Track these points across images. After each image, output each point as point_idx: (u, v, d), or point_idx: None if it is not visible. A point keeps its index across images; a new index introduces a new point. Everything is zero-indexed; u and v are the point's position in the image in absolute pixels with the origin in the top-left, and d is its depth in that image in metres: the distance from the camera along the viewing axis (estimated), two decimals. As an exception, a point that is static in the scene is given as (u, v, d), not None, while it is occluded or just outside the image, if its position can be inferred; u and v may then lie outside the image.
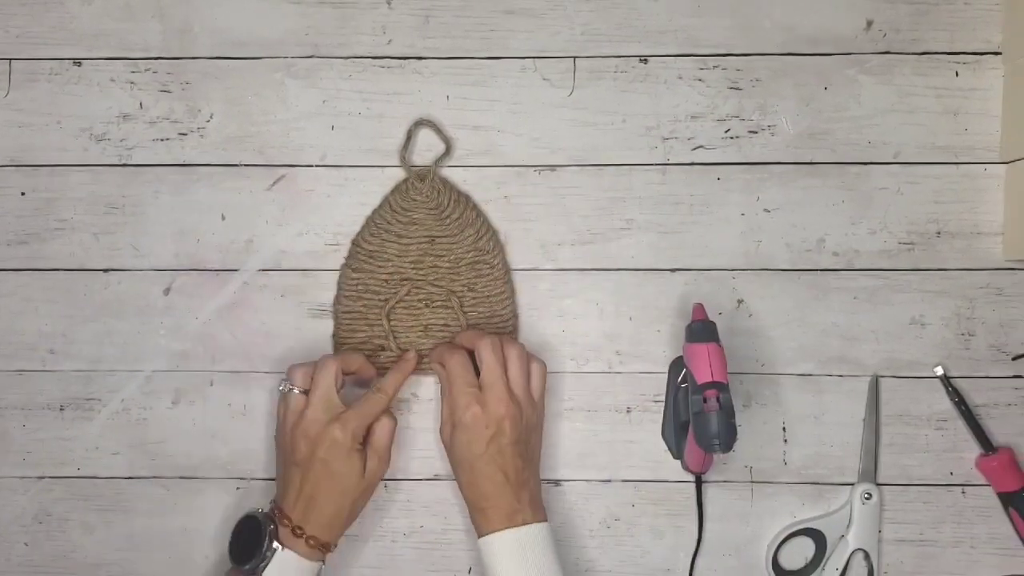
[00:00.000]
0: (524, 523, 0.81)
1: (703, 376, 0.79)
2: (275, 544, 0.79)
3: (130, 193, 0.90)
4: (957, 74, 0.89)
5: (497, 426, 0.81)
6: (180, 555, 0.90)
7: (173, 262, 0.90)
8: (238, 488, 0.90)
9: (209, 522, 0.90)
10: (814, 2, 0.89)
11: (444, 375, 0.84)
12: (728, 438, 0.78)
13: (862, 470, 0.89)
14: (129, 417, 0.90)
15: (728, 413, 0.78)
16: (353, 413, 0.82)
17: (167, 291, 0.90)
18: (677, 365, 0.88)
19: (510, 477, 0.81)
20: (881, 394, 0.89)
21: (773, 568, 0.89)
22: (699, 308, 0.82)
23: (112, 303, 0.90)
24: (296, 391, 0.83)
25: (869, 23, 0.89)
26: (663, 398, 0.89)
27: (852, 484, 0.89)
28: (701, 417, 0.78)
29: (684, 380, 0.85)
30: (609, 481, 0.90)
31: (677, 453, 0.88)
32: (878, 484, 0.89)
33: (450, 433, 0.83)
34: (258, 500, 0.89)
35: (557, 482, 0.90)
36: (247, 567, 0.79)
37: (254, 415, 0.90)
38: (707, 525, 0.89)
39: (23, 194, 0.90)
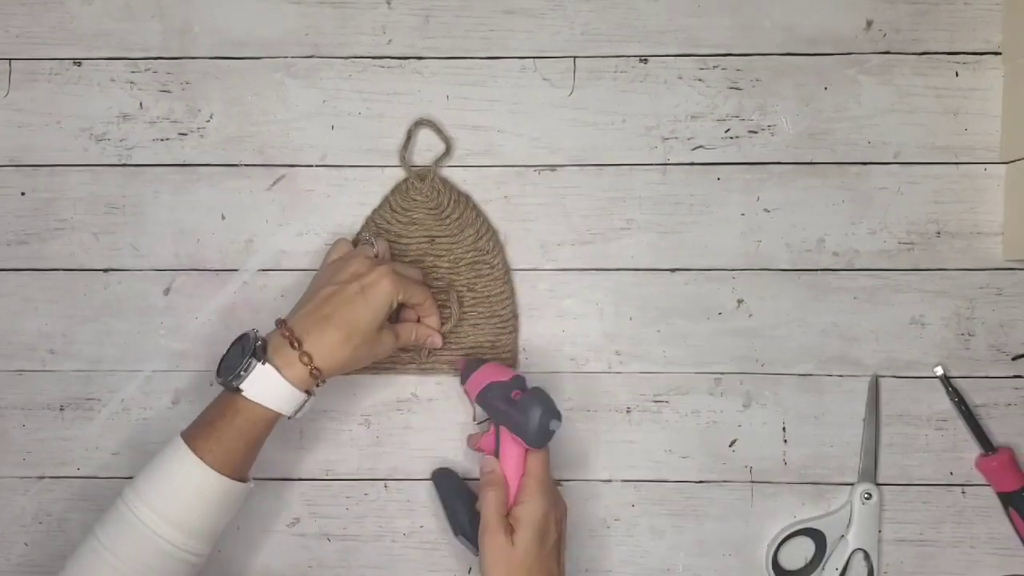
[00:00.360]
0: None
1: (502, 375, 0.82)
2: (258, 359, 0.77)
3: (130, 193, 0.90)
4: (957, 74, 0.89)
5: (563, 522, 0.82)
6: (180, 555, 0.90)
7: (173, 262, 0.90)
8: (238, 488, 0.90)
9: (209, 522, 0.90)
10: (814, 2, 0.89)
11: (496, 472, 0.82)
12: (555, 407, 0.80)
13: (862, 470, 0.89)
14: (129, 417, 0.90)
15: (539, 391, 0.81)
16: (405, 278, 0.82)
17: (167, 291, 0.90)
18: (443, 476, 0.88)
19: None
20: (881, 394, 0.89)
21: (773, 568, 0.89)
22: (460, 361, 0.87)
23: (112, 303, 0.90)
24: (374, 248, 0.84)
25: (869, 23, 0.89)
26: (663, 398, 0.90)
27: (852, 484, 0.89)
28: (522, 404, 0.80)
29: (485, 420, 0.86)
30: (609, 481, 0.90)
31: (472, 534, 0.84)
32: (878, 484, 0.89)
33: (503, 533, 0.79)
34: (258, 499, 0.89)
35: (558, 482, 0.90)
36: (223, 378, 0.78)
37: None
38: (707, 525, 0.89)
39: (23, 194, 0.90)
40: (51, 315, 0.90)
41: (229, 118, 0.90)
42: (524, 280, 0.90)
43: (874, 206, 0.89)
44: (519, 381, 0.82)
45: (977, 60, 0.89)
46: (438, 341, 0.87)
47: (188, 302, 0.90)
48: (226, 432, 0.77)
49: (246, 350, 0.78)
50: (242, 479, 0.79)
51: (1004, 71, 0.88)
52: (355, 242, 0.88)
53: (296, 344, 0.78)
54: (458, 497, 0.86)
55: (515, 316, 0.89)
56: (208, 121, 0.90)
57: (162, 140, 0.90)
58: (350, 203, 0.90)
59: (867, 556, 0.88)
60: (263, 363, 0.77)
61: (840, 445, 0.89)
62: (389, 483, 0.90)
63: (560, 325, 0.90)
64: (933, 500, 0.89)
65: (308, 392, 0.79)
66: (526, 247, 0.90)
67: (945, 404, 0.89)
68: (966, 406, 0.88)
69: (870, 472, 0.88)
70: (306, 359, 0.78)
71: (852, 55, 0.89)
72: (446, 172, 0.89)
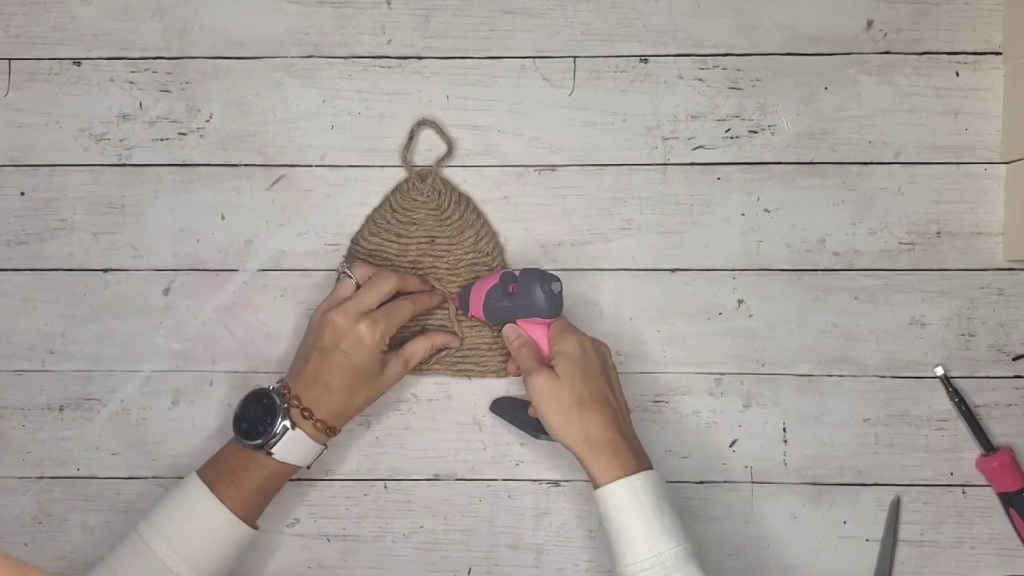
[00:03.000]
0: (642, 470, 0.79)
1: (491, 281, 0.83)
2: (287, 423, 0.80)
3: (130, 193, 0.90)
4: (957, 74, 0.89)
5: (606, 356, 0.83)
6: (180, 555, 0.90)
7: (173, 262, 0.90)
8: (238, 488, 0.90)
9: (209, 522, 0.90)
10: (814, 2, 0.89)
11: (522, 335, 0.83)
12: (548, 274, 0.81)
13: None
14: (129, 417, 0.90)
15: (527, 270, 0.81)
16: (382, 314, 0.82)
17: (167, 291, 0.90)
18: (498, 403, 0.88)
19: (622, 417, 0.81)
20: (882, 394, 0.89)
21: None
22: (454, 298, 0.88)
23: (112, 303, 0.90)
24: (351, 279, 0.84)
25: (869, 23, 0.89)
26: (663, 398, 0.89)
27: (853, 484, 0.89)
28: (521, 290, 0.81)
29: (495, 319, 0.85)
30: (609, 481, 0.90)
31: (526, 422, 0.86)
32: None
33: (547, 370, 0.80)
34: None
35: (557, 482, 0.90)
36: (256, 443, 0.80)
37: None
38: (707, 525, 0.89)
39: (23, 194, 0.90)
40: (51, 315, 0.90)
41: (229, 118, 0.90)
42: (524, 280, 0.90)
43: (874, 206, 0.89)
44: (508, 276, 0.83)
45: (977, 60, 0.88)
46: (455, 342, 0.88)
47: (188, 302, 0.90)
48: (249, 483, 0.80)
49: (274, 412, 0.80)
50: (254, 525, 0.82)
51: (1004, 71, 0.88)
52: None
53: (307, 414, 0.81)
54: (517, 409, 0.87)
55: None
56: (208, 121, 0.90)
57: (162, 140, 0.90)
58: (350, 203, 0.89)
59: None
60: (294, 428, 0.80)
61: (840, 445, 0.89)
62: (389, 483, 0.90)
63: (560, 325, 0.90)
64: (933, 500, 0.89)
65: (326, 444, 0.83)
66: (526, 247, 0.90)
67: (945, 404, 0.89)
68: (966, 406, 0.88)
69: (882, 599, 0.88)
70: (320, 425, 0.81)
71: (852, 55, 0.89)
72: (446, 172, 0.89)
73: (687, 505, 0.89)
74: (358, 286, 0.83)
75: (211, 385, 0.90)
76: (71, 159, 0.90)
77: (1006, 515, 0.89)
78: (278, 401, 0.80)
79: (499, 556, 0.90)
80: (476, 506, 0.90)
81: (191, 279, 0.90)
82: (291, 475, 0.83)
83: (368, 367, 0.81)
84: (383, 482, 0.90)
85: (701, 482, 0.90)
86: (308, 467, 0.83)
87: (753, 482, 0.90)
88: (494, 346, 0.89)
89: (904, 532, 0.89)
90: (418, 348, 0.86)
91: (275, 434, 0.79)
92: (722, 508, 0.89)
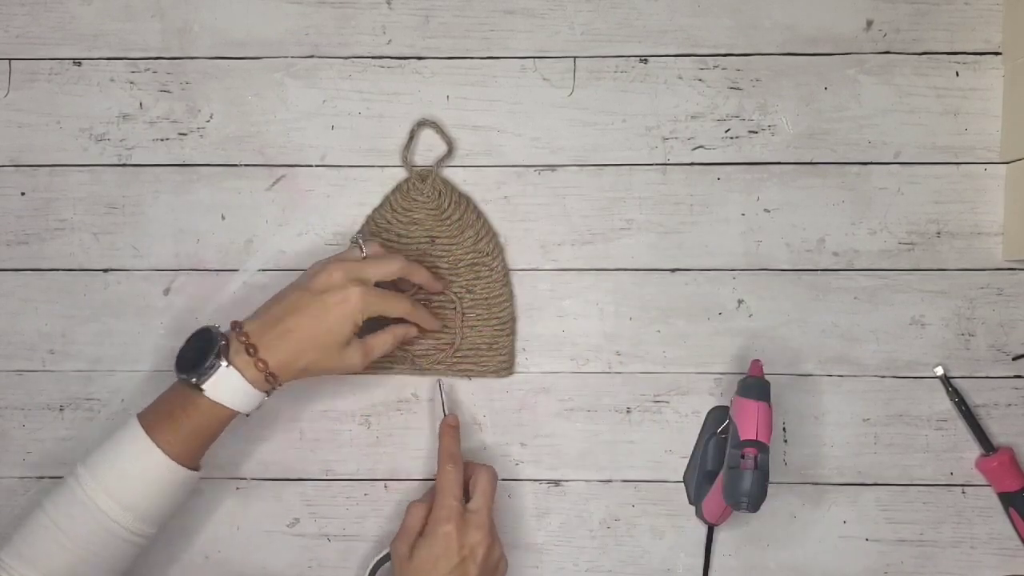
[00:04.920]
0: None
1: (747, 432, 0.79)
2: (221, 360, 0.78)
3: (130, 193, 0.90)
4: (957, 74, 0.89)
5: (471, 551, 0.79)
6: (179, 555, 0.90)
7: (173, 262, 0.90)
8: (237, 488, 0.90)
9: (209, 522, 0.90)
10: (814, 2, 0.89)
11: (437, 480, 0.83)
12: (758, 499, 0.78)
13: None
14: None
15: (764, 475, 0.78)
16: (377, 292, 0.81)
17: (167, 291, 0.90)
18: (717, 414, 0.88)
19: None
20: (881, 394, 0.89)
21: None
22: (757, 365, 0.83)
23: (112, 303, 0.90)
24: (362, 251, 0.83)
25: (869, 23, 0.89)
26: (663, 398, 0.89)
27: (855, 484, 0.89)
28: (735, 472, 0.78)
29: (724, 431, 0.85)
30: (609, 481, 0.90)
31: (695, 499, 0.88)
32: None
33: (413, 542, 0.80)
34: (258, 499, 0.89)
35: (557, 482, 0.90)
36: (186, 376, 0.78)
37: (252, 415, 0.89)
38: (707, 525, 0.89)
39: (23, 194, 0.90)
40: (51, 315, 0.90)
41: (229, 118, 0.90)
42: (524, 280, 0.90)
43: (874, 206, 0.89)
44: (760, 445, 0.80)
45: (977, 60, 0.89)
46: (412, 332, 0.86)
47: (188, 302, 0.90)
48: (185, 425, 0.78)
49: (210, 348, 0.78)
50: (196, 468, 0.80)
51: (1004, 71, 0.88)
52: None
53: (251, 350, 0.78)
54: (704, 449, 0.88)
55: (513, 319, 0.89)
56: (208, 121, 0.90)
57: (162, 140, 0.90)
58: (350, 203, 0.90)
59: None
60: (227, 365, 0.78)
61: (840, 445, 0.89)
62: (389, 483, 0.90)
63: (560, 325, 0.90)
64: (933, 500, 0.89)
65: (267, 392, 0.80)
66: (526, 247, 0.90)
67: (945, 404, 0.89)
68: (966, 406, 0.88)
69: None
70: (261, 365, 0.78)
71: (852, 55, 0.89)
72: (446, 172, 0.89)
73: (687, 505, 0.89)
74: (364, 259, 0.83)
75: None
76: (71, 159, 0.90)
77: (1006, 515, 0.89)
78: (215, 336, 0.78)
79: (499, 556, 0.90)
80: (476, 506, 0.90)
81: (191, 279, 0.90)
82: (228, 420, 0.79)
83: (335, 331, 0.79)
84: (383, 482, 0.90)
85: (701, 482, 0.90)
86: (248, 415, 0.80)
87: (753, 482, 0.90)
88: (494, 346, 0.89)
89: (904, 532, 0.89)
90: (379, 341, 0.83)
91: (206, 368, 0.77)
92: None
